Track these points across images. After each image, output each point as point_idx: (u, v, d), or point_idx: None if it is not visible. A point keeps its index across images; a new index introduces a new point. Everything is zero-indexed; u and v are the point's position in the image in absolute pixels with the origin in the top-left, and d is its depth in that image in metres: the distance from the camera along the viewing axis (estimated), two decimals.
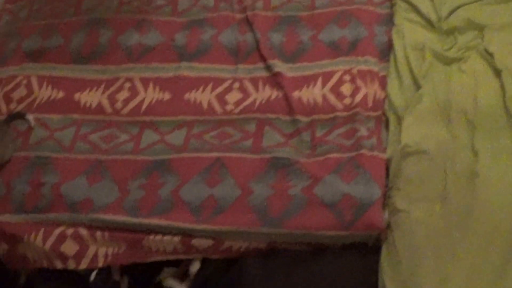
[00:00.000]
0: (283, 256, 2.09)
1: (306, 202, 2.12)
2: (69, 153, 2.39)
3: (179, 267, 2.21)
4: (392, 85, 2.35)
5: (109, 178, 2.29)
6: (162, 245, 2.12)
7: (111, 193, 2.24)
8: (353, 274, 2.03)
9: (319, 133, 2.34)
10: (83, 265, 2.15)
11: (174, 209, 2.16)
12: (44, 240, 2.17)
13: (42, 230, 2.19)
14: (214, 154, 2.27)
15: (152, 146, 2.36)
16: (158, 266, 2.22)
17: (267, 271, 2.04)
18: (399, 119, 2.23)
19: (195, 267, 2.15)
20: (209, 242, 2.11)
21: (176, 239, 2.13)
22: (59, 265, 2.16)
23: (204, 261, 2.17)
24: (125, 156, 2.34)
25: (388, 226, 2.03)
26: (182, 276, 2.23)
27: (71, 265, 2.16)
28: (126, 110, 2.51)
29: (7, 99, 2.67)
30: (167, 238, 2.13)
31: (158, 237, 2.14)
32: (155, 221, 2.15)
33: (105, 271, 2.20)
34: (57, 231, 2.17)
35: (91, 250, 2.16)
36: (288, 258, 2.09)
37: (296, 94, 2.43)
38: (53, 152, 2.41)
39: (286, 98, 2.43)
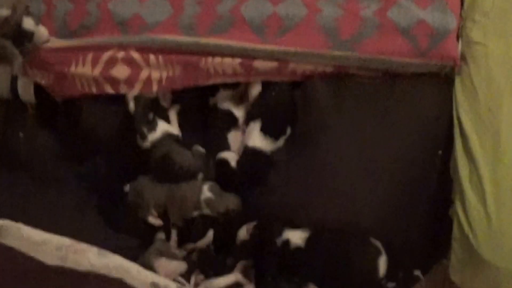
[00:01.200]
0: (352, 82, 1.96)
1: (379, 26, 1.94)
2: None
3: (237, 89, 2.07)
4: None
5: None
6: (221, 67, 1.97)
7: (164, 9, 2.06)
8: (427, 104, 1.92)
9: None
10: (136, 90, 2.03)
11: (234, 28, 1.97)
12: (93, 65, 2.03)
13: (90, 55, 2.04)
14: None
15: None
16: (213, 89, 2.07)
17: (336, 94, 1.94)
18: None
19: (255, 89, 2.01)
20: (273, 64, 1.96)
21: (237, 60, 1.97)
22: (109, 90, 2.05)
23: (264, 85, 2.02)
24: None
25: (462, 57, 1.89)
26: (240, 100, 2.10)
27: (123, 89, 2.04)
28: None
29: None
30: (226, 60, 1.97)
31: (217, 59, 1.98)
32: (214, 40, 1.97)
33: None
34: (107, 55, 2.02)
35: (144, 73, 2.02)
36: (358, 84, 1.96)
37: None
38: None
39: None
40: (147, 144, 2.01)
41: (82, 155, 2.17)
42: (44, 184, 2.11)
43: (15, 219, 1.82)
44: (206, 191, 1.95)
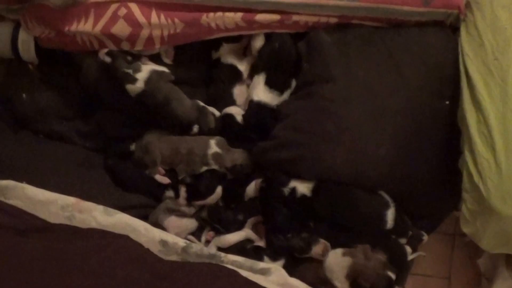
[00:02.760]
0: (356, 31, 1.93)
1: None
2: None
3: (240, 42, 2.04)
4: None
5: None
6: (223, 22, 1.93)
7: None
8: (432, 52, 1.88)
9: None
10: (138, 46, 1.99)
11: None
12: (95, 22, 1.96)
13: (92, 11, 1.96)
14: None
15: None
16: (216, 43, 2.04)
17: (340, 44, 1.91)
18: None
19: (258, 42, 1.99)
20: (275, 16, 1.92)
21: (239, 15, 1.92)
22: (112, 46, 1.99)
23: (268, 37, 2.00)
24: None
25: (467, 5, 1.85)
26: (243, 53, 2.08)
27: (125, 46, 1.99)
28: None
29: None
30: (228, 14, 1.92)
31: (219, 14, 1.93)
32: None
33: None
34: (109, 12, 1.94)
35: (145, 31, 1.96)
36: (362, 33, 1.93)
37: None
38: None
39: None
40: (140, 84, 1.96)
41: (86, 113, 2.10)
42: (49, 143, 2.12)
43: (21, 177, 1.81)
44: (214, 146, 1.94)
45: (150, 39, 1.94)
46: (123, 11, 1.92)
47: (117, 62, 1.94)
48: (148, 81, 1.93)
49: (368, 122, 1.84)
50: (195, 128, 1.98)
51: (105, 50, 1.96)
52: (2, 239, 1.44)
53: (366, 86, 1.86)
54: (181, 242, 1.68)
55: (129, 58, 1.99)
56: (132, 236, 1.63)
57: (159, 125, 2.06)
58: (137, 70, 1.94)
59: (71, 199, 1.65)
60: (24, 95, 2.13)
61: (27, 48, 2.13)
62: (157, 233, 1.69)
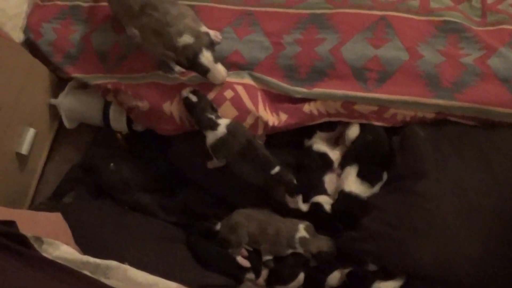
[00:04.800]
0: (451, 128, 1.95)
1: (479, 74, 1.93)
2: (213, 1, 2.16)
3: (334, 132, 2.07)
4: None
5: (260, 32, 2.07)
6: (324, 109, 2.00)
7: (264, 47, 2.05)
8: None
9: (490, 0, 2.08)
10: None
11: (335, 70, 1.99)
12: None
13: None
14: (378, 12, 2.06)
15: None
16: (309, 131, 2.08)
17: (435, 140, 1.91)
18: None
19: (353, 132, 2.02)
20: (373, 108, 1.97)
21: (339, 103, 1.98)
22: None
23: (362, 128, 2.02)
24: (278, 9, 2.11)
25: None
26: (335, 142, 2.10)
27: None
28: None
29: None
30: (329, 102, 1.99)
31: (320, 101, 2.00)
32: (317, 90, 2.00)
33: None
34: (214, 91, 2.01)
35: (251, 118, 2.00)
36: (457, 131, 1.94)
37: None
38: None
39: None
40: (222, 129, 1.94)
41: (171, 188, 2.10)
42: (131, 214, 2.12)
43: (104, 247, 1.78)
44: (302, 230, 1.94)
45: (254, 126, 1.99)
46: (230, 93, 1.94)
47: (202, 103, 1.95)
48: (229, 126, 1.93)
49: (458, 220, 1.80)
50: (277, 169, 1.93)
51: (190, 89, 1.98)
52: None
53: (458, 184, 1.84)
54: None
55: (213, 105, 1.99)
56: None
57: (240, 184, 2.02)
58: (219, 116, 1.96)
59: (172, 285, 1.62)
60: (111, 165, 2.14)
61: (118, 117, 2.18)
62: None
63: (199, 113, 1.95)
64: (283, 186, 1.95)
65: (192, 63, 1.89)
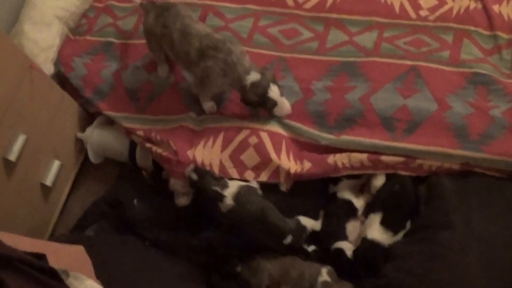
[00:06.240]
0: (478, 180, 1.94)
1: (507, 127, 1.94)
2: (246, 45, 2.19)
3: (359, 180, 2.07)
4: None
5: (291, 77, 2.10)
6: (349, 161, 1.99)
7: (293, 92, 2.08)
8: None
9: None
10: (262, 178, 2.04)
11: (364, 119, 1.99)
12: (223, 147, 2.03)
13: (221, 136, 2.05)
14: (409, 62, 2.09)
15: (340, 47, 2.13)
16: (335, 178, 2.07)
17: (461, 191, 1.91)
18: None
19: (379, 181, 2.02)
20: (400, 159, 1.97)
21: (364, 155, 1.98)
22: (234, 174, 2.04)
23: (388, 177, 2.01)
24: (310, 56, 2.15)
25: None
26: (360, 190, 2.08)
27: (249, 176, 2.05)
28: (309, 4, 2.25)
29: None
30: (355, 154, 1.98)
31: (345, 153, 1.99)
32: (345, 137, 2.01)
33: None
34: (238, 138, 2.03)
35: (273, 165, 2.01)
36: (484, 183, 1.94)
37: (496, 7, 2.18)
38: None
39: (486, 10, 2.20)
40: (229, 201, 1.96)
41: (195, 227, 2.10)
42: (153, 251, 2.10)
43: (125, 283, 1.78)
44: (325, 275, 1.92)
45: (276, 173, 1.98)
46: (254, 140, 1.97)
47: (205, 180, 1.98)
48: (237, 197, 1.94)
49: (482, 273, 1.78)
50: (289, 239, 1.94)
51: (192, 167, 2.00)
52: None
53: (484, 237, 1.83)
54: None
55: (217, 177, 2.02)
56: None
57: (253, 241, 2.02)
58: (225, 186, 1.97)
59: None
60: (135, 201, 2.14)
61: (144, 155, 2.17)
62: None
63: (203, 189, 1.99)
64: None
65: (262, 98, 1.93)
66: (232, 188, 1.98)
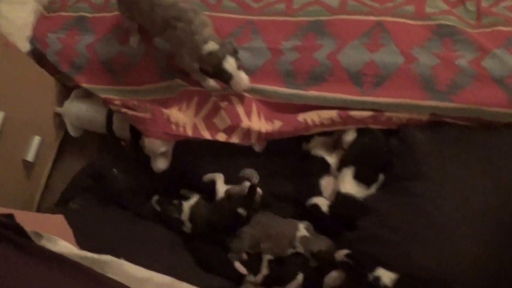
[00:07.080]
0: (449, 130, 1.97)
1: (474, 75, 1.95)
2: (215, 11, 2.21)
3: (331, 136, 2.10)
4: None
5: (259, 39, 2.12)
6: (319, 119, 2.03)
7: (262, 54, 2.08)
8: None
9: (484, 4, 2.12)
10: (234, 139, 2.08)
11: (333, 76, 2.02)
12: (198, 110, 2.06)
13: (195, 99, 2.09)
14: (374, 18, 2.11)
15: (307, 7, 2.17)
16: (307, 135, 2.11)
17: (432, 142, 1.94)
18: None
19: (350, 136, 2.05)
20: (369, 112, 2.00)
21: (334, 111, 2.01)
22: (207, 136, 2.09)
23: (359, 131, 2.05)
24: (278, 17, 2.16)
25: None
26: (333, 146, 2.12)
27: (221, 137, 2.08)
28: None
29: None
30: (324, 111, 2.02)
31: (315, 111, 2.03)
32: (313, 93, 2.04)
33: None
34: (211, 101, 2.08)
35: (244, 125, 2.04)
36: (455, 133, 1.97)
37: None
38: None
39: None
40: (188, 224, 2.12)
41: (175, 194, 2.14)
42: (134, 220, 2.13)
43: (108, 252, 1.80)
44: (302, 229, 1.96)
45: (247, 134, 2.03)
46: (225, 103, 2.03)
47: (167, 210, 2.11)
48: (191, 217, 2.08)
49: (459, 222, 1.82)
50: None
51: (156, 198, 2.13)
52: None
53: (458, 186, 1.86)
54: None
55: (175, 201, 2.12)
56: None
57: None
58: (181, 210, 2.08)
59: (167, 279, 1.66)
60: (113, 170, 2.17)
61: (122, 125, 2.20)
62: None
63: (167, 217, 2.10)
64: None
65: (217, 69, 1.93)
66: (185, 211, 2.09)
